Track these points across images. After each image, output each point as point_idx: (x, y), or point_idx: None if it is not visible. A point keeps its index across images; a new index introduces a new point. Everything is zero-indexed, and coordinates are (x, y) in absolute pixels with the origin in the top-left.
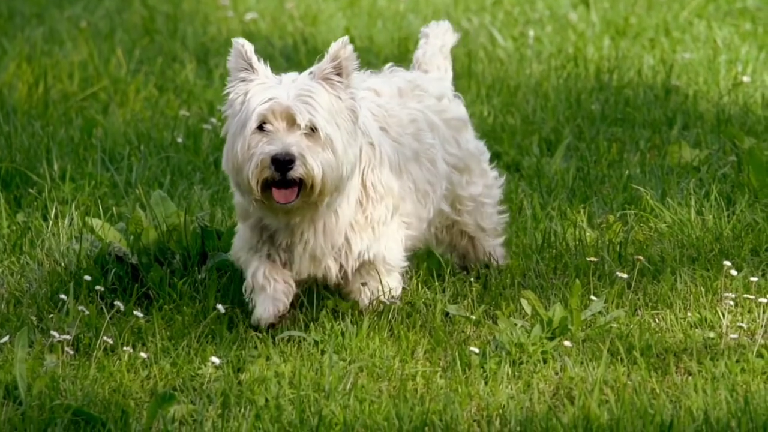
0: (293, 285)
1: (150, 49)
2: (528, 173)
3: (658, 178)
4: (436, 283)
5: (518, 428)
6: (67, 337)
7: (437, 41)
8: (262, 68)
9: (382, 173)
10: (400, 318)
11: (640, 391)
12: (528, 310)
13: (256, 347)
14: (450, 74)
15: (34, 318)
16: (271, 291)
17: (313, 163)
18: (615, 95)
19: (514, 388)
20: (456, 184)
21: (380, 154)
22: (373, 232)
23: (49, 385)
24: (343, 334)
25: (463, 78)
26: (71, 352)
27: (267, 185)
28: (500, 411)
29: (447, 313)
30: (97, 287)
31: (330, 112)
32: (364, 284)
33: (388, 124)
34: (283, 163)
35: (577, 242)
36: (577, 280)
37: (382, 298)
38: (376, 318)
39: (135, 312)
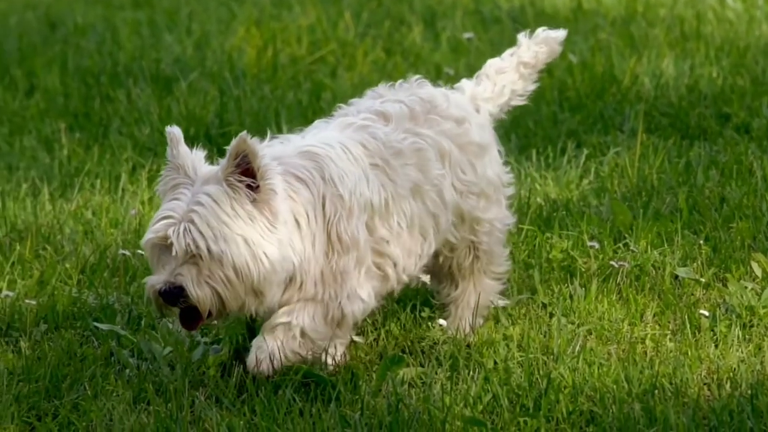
0: None
1: (377, 12)
2: (758, 135)
3: None
4: (665, 246)
5: (749, 391)
6: None
7: (525, 54)
8: (185, 160)
9: (350, 224)
10: (628, 281)
11: None
12: (758, 272)
13: None
14: (504, 96)
15: None
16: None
17: (198, 292)
18: None
19: (745, 351)
20: (473, 207)
21: (350, 205)
22: (335, 281)
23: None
24: (571, 296)
25: (692, 40)
26: None
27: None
28: (731, 374)
29: (676, 276)
30: None
31: (220, 225)
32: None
33: (384, 159)
34: (168, 297)
35: None
36: None
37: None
38: (604, 281)
39: None
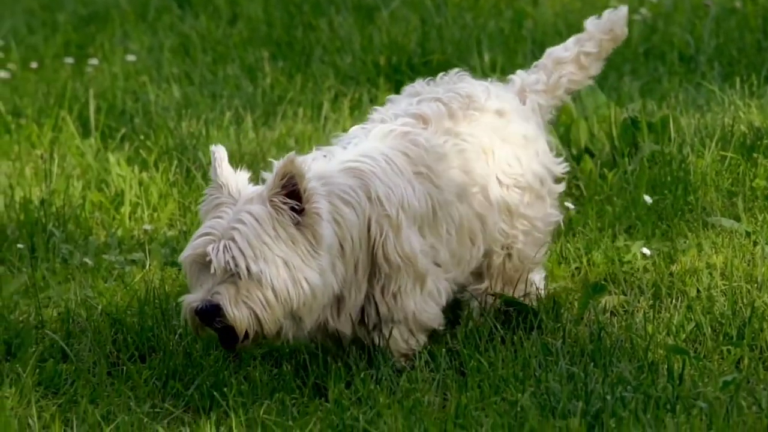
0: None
1: None
2: None
3: None
4: None
5: None
6: None
7: (588, 45)
8: (228, 180)
9: (399, 240)
10: None
11: None
12: None
13: (686, 238)
14: (560, 89)
15: None
16: None
17: (235, 311)
18: None
19: None
20: (519, 201)
21: (398, 222)
22: (395, 300)
23: None
24: None
25: None
26: None
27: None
28: None
29: None
30: None
31: (261, 245)
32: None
33: (427, 166)
34: (204, 315)
35: None
36: None
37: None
38: None
39: (566, 203)
